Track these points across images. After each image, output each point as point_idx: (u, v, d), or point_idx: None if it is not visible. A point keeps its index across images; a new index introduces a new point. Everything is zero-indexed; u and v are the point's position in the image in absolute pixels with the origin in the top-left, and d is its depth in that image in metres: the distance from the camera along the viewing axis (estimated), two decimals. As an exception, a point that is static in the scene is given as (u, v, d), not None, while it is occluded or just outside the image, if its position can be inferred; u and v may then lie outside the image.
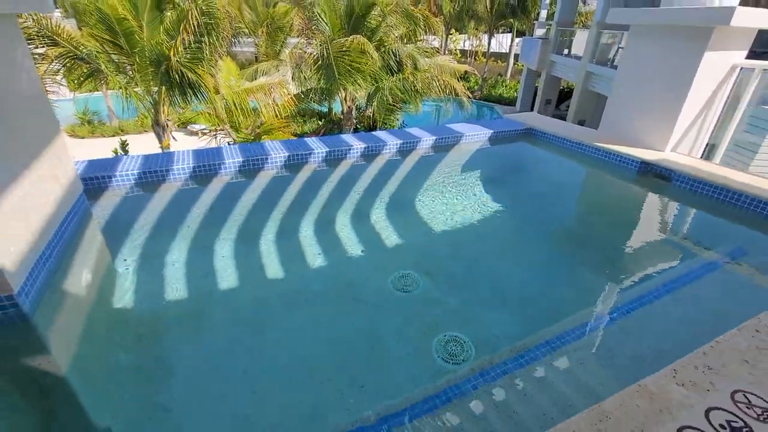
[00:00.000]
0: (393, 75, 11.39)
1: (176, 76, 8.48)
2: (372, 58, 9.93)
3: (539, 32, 22.59)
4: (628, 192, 2.77)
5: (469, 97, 11.28)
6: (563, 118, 17.64)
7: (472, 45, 30.41)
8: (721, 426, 0.94)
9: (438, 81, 11.30)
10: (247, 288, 2.07)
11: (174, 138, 10.57)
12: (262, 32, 15.91)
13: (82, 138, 14.80)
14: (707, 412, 0.96)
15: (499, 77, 26.50)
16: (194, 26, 8.31)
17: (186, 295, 1.95)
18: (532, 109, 21.44)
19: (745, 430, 0.91)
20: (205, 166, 2.67)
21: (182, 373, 1.59)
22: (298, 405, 1.42)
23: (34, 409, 1.30)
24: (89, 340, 1.61)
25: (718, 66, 2.64)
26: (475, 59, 30.61)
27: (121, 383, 1.49)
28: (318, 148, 2.86)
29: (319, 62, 10.05)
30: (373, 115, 12.17)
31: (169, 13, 8.88)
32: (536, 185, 3.19)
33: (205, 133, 15.45)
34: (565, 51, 17.86)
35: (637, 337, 1.21)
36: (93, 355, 1.57)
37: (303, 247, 2.36)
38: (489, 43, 27.13)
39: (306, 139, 3.03)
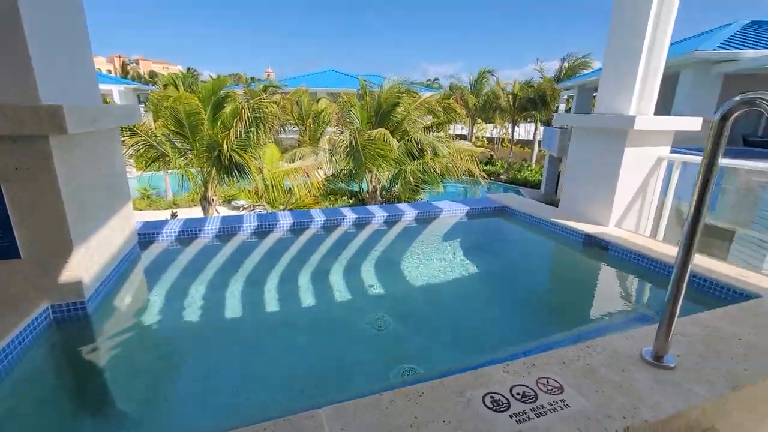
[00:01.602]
0: (415, 160, 12.59)
1: (226, 160, 10.00)
2: (391, 146, 11.21)
3: (558, 122, 24.12)
4: (575, 258, 3.19)
5: (485, 178, 12.09)
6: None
7: (498, 133, 32.41)
8: (517, 394, 1.35)
9: (456, 165, 12.37)
10: (249, 317, 2.62)
11: (218, 211, 11.92)
12: (307, 123, 18.22)
13: (140, 210, 16.75)
14: (512, 387, 1.38)
15: (524, 162, 27.70)
16: (246, 120, 9.99)
17: (197, 321, 2.54)
18: (556, 192, 22.03)
19: (532, 396, 1.32)
20: (227, 228, 3.41)
21: (184, 377, 2.11)
22: (276, 405, 1.90)
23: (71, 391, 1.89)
24: (123, 344, 2.21)
25: (644, 158, 3.20)
26: (501, 145, 32.37)
27: (137, 377, 2.05)
28: (318, 216, 3.57)
29: (349, 149, 11.43)
30: (399, 194, 13.23)
31: (227, 109, 10.72)
32: (503, 253, 3.66)
33: (245, 208, 17.10)
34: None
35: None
36: (122, 356, 2.15)
37: (297, 292, 2.92)
38: (512, 132, 28.94)
39: (309, 210, 3.76)
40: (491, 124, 33.16)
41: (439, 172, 12.15)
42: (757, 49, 9.95)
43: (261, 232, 3.46)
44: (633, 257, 2.77)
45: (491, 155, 30.26)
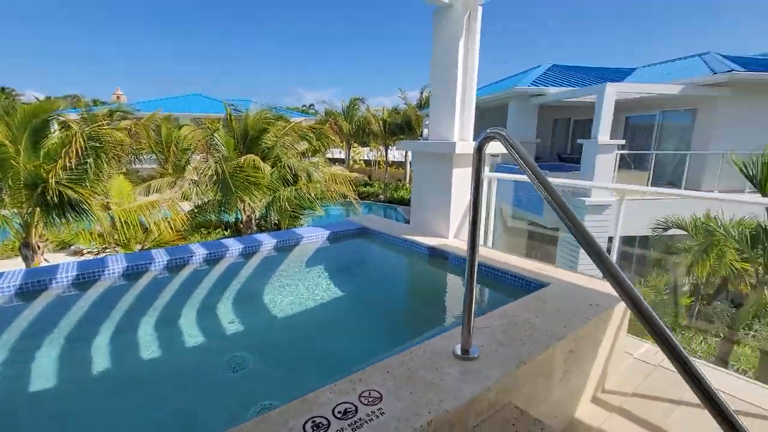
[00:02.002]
0: (289, 186, 12.42)
1: (54, 197, 8.32)
2: (263, 172, 10.89)
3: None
4: (423, 269, 3.52)
5: (364, 200, 12.54)
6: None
7: (375, 155, 34.18)
8: (339, 412, 1.41)
9: (331, 190, 12.61)
10: (72, 383, 2.18)
11: (46, 260, 9.77)
12: (170, 151, 16.48)
13: (-72, 269, 12.73)
14: (335, 407, 1.43)
15: (399, 182, 29.71)
16: (79, 150, 8.52)
17: (37, 374, 2.05)
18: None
19: (352, 412, 1.39)
20: (41, 282, 2.84)
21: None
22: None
23: None
24: None
25: (469, 177, 3.73)
26: (378, 167, 34.16)
27: None
28: (159, 257, 3.21)
29: (215, 178, 10.67)
30: (278, 221, 12.80)
31: (54, 138, 9.01)
32: (363, 272, 3.83)
33: (91, 252, 14.38)
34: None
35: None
36: None
37: (137, 343, 2.55)
38: (386, 155, 30.90)
39: (151, 250, 3.37)
40: (367, 148, 34.91)
41: (314, 196, 12.21)
42: (556, 86, 12.70)
43: (90, 280, 2.96)
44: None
45: (369, 177, 31.75)
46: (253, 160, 10.91)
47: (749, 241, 5.71)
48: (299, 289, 3.35)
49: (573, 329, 2.02)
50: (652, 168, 11.05)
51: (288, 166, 12.51)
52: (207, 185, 11.31)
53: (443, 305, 3.10)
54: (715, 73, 9.76)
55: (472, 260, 1.66)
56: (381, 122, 29.03)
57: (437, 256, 3.45)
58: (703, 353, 7.07)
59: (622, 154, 10.40)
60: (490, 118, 18.10)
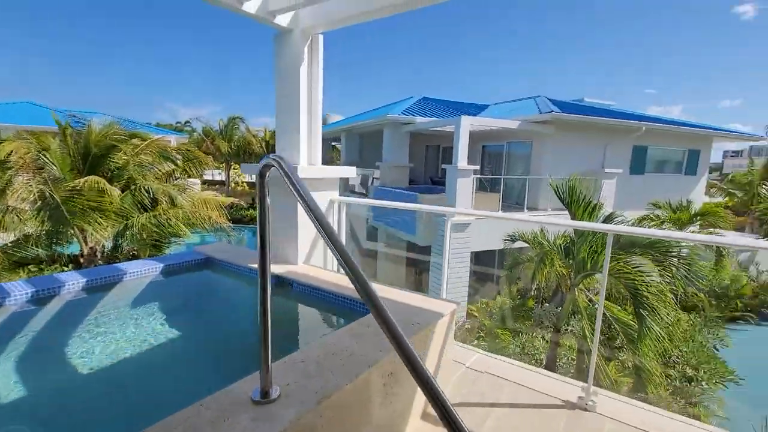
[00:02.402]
0: (147, 211, 10.92)
1: None
2: (111, 196, 9.39)
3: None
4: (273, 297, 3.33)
5: (230, 227, 11.65)
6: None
7: (258, 178, 32.57)
8: None
9: (200, 214, 11.49)
10: None
11: None
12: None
13: None
14: None
15: (285, 205, 28.85)
16: None
17: None
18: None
19: None
20: None
21: None
22: None
23: None
24: None
25: (318, 201, 3.69)
26: (262, 190, 32.62)
27: None
28: None
29: (41, 204, 8.77)
30: (137, 251, 11.06)
31: None
32: (206, 307, 3.46)
33: None
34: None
35: None
36: None
37: None
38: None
39: None
40: (251, 169, 33.14)
41: (180, 222, 10.94)
42: (424, 116, 13.95)
43: None
44: (309, 290, 3.10)
45: (253, 200, 30.05)
46: (97, 183, 9.32)
47: (564, 252, 6.92)
48: (114, 336, 2.83)
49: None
50: (502, 190, 12.80)
51: (145, 189, 11.02)
52: (32, 214, 9.23)
53: (276, 339, 2.95)
54: (541, 113, 11.88)
55: (264, 287, 1.57)
56: (263, 143, 28.00)
57: (283, 284, 3.30)
58: (544, 348, 8.24)
59: (478, 178, 11.83)
60: (368, 143, 18.96)
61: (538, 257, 8.88)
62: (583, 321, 6.06)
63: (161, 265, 3.60)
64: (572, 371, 7.69)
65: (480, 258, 14.03)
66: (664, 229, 12.85)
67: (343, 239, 3.90)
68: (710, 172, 18.93)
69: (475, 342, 9.46)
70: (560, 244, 7.23)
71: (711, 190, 25.67)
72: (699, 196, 16.56)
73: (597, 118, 12.48)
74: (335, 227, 3.87)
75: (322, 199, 3.74)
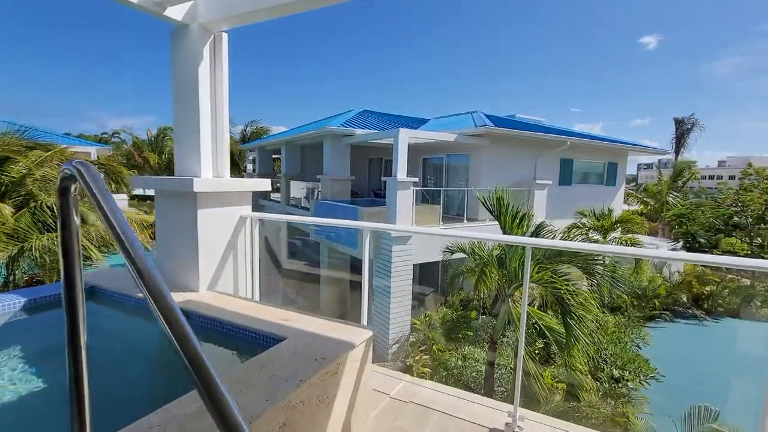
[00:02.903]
0: (50, 231, 9.56)
1: None
2: (3, 215, 8.08)
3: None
4: (155, 337, 2.83)
5: (153, 246, 10.56)
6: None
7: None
8: None
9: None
10: None
11: None
12: None
13: None
14: None
15: (223, 221, 27.25)
16: None
17: None
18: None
19: None
20: None
21: None
22: None
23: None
24: None
25: (225, 218, 3.27)
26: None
27: None
28: None
29: None
30: (42, 277, 9.58)
31: None
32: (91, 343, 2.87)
33: None
34: (275, 196, 20.24)
35: None
36: None
37: None
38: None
39: None
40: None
41: (89, 243, 9.69)
42: (363, 129, 13.84)
43: None
44: (211, 324, 2.66)
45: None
46: (-19, 200, 7.96)
47: (498, 262, 6.99)
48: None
49: (286, 396, 1.73)
50: (444, 202, 12.96)
51: (48, 206, 9.67)
52: None
53: (162, 382, 2.48)
54: (476, 127, 12.25)
55: (74, 331, 1.17)
56: (199, 156, 26.37)
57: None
58: (483, 360, 8.24)
59: (419, 190, 11.85)
60: (309, 155, 18.48)
61: (478, 268, 8.97)
62: (517, 332, 6.09)
63: (21, 299, 2.95)
64: (509, 384, 7.75)
65: (425, 269, 14.04)
66: (590, 236, 13.75)
67: (256, 259, 3.50)
68: (627, 183, 20.80)
69: (419, 356, 9.28)
70: (495, 255, 7.30)
71: (628, 199, 28.30)
72: (619, 205, 18.03)
73: (527, 132, 13.13)
74: (247, 246, 3.46)
75: (231, 215, 3.32)
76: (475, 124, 12.73)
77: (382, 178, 11.62)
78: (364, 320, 2.93)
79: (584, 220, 14.12)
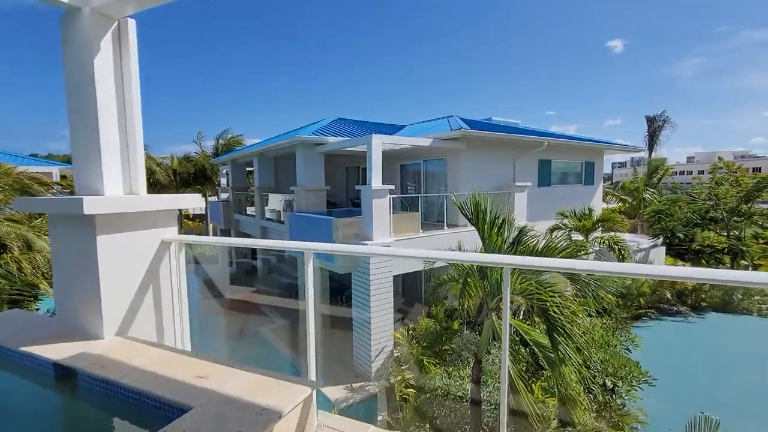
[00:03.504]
0: (-10, 261, 8.64)
1: None
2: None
3: (224, 196, 24.40)
4: (42, 399, 2.20)
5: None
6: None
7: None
8: None
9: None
10: None
11: None
12: None
13: None
14: None
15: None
16: None
17: None
18: (231, 266, 21.68)
19: None
20: None
21: None
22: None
23: None
24: None
25: (141, 243, 2.65)
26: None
27: None
28: None
29: None
30: None
31: None
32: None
33: None
34: (250, 210, 19.40)
35: None
36: None
37: None
38: (180, 210, 26.99)
39: None
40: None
41: (34, 272, 8.79)
42: (336, 136, 13.31)
43: None
44: (105, 388, 2.04)
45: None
46: None
47: (480, 273, 6.52)
48: None
49: None
50: (423, 209, 12.49)
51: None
52: None
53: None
54: (452, 130, 11.88)
55: None
56: (170, 171, 25.28)
57: (65, 377, 2.18)
58: (469, 377, 7.71)
59: (396, 198, 11.35)
60: (282, 166, 17.82)
61: (461, 278, 8.48)
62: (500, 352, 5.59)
63: None
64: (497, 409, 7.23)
65: (407, 279, 13.51)
66: (572, 238, 13.49)
67: (184, 292, 2.89)
68: (604, 182, 20.85)
69: (400, 377, 8.69)
70: (477, 266, 6.83)
71: (607, 197, 28.57)
72: (598, 203, 17.96)
73: (503, 134, 12.85)
74: (173, 276, 2.85)
75: (150, 239, 2.72)
76: (451, 128, 12.37)
77: (356, 187, 11.08)
78: (312, 368, 2.35)
79: (566, 221, 13.88)
